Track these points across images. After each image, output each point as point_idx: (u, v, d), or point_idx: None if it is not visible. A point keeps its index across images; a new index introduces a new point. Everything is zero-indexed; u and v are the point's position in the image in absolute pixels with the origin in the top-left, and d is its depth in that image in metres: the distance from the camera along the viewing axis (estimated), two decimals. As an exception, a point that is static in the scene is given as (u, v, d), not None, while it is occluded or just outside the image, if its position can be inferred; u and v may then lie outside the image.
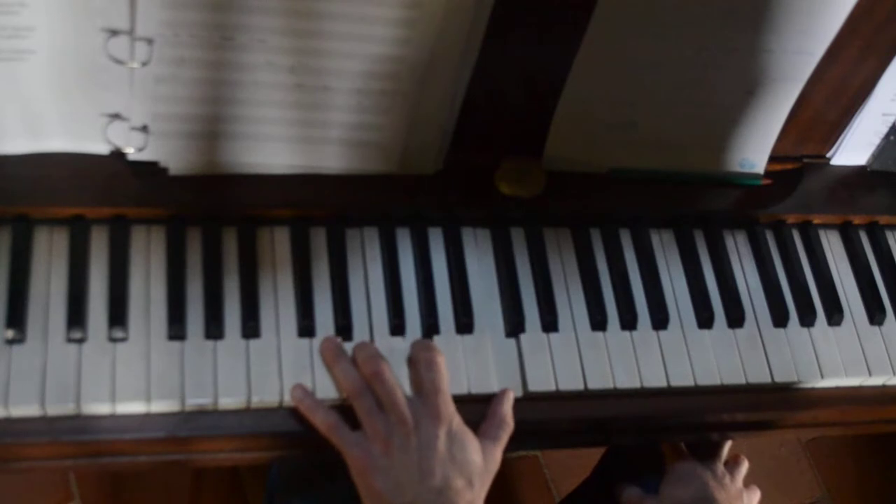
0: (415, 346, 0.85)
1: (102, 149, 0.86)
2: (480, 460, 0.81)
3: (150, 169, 0.86)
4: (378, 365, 0.81)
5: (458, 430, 0.81)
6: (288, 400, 0.82)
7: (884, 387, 0.98)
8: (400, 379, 0.83)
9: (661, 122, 0.96)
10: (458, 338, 0.88)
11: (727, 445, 1.06)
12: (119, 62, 0.80)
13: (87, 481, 1.50)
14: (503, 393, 0.86)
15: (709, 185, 1.01)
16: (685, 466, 1.02)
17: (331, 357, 0.83)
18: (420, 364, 0.83)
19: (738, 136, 0.98)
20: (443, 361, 0.83)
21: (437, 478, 0.78)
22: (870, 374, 0.96)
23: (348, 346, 0.84)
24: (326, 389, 0.82)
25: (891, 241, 1.05)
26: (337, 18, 0.80)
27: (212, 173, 0.88)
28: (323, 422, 0.81)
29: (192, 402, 0.80)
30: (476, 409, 0.85)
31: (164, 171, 0.87)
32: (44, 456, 0.80)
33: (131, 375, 0.79)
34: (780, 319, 0.96)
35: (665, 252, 0.98)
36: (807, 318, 0.97)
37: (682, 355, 0.92)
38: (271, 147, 0.88)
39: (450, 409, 0.81)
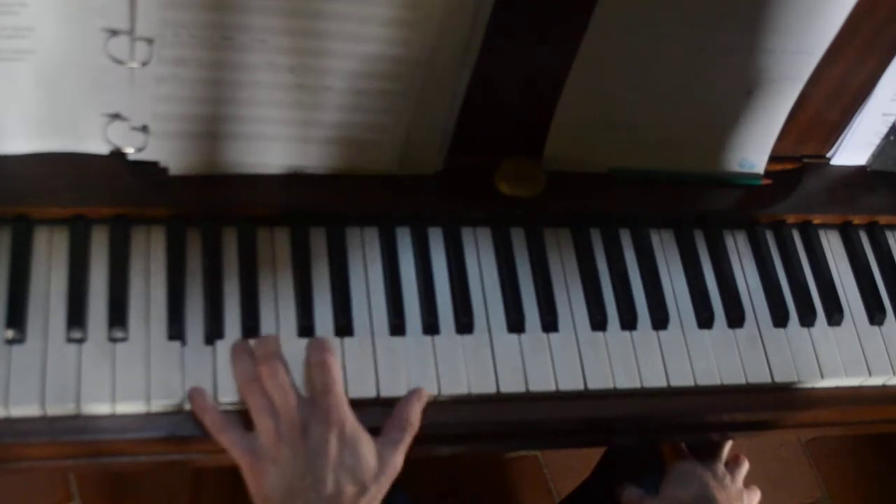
0: (308, 345, 0.82)
1: (102, 149, 0.86)
2: (374, 464, 0.78)
3: (150, 169, 0.86)
4: (273, 364, 0.79)
5: (350, 434, 0.78)
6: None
7: (884, 387, 0.98)
8: (394, 381, 0.82)
9: (661, 122, 0.96)
10: (458, 338, 0.88)
11: (728, 446, 1.06)
12: (119, 62, 0.80)
13: (87, 481, 1.50)
14: (413, 393, 0.83)
15: (709, 185, 1.01)
16: (686, 466, 1.02)
17: (233, 353, 0.81)
18: (312, 365, 0.81)
19: (738, 136, 0.98)
20: (334, 361, 0.80)
21: (329, 484, 0.76)
22: (870, 374, 0.96)
23: (348, 345, 0.84)
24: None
25: (891, 241, 1.05)
26: (337, 18, 0.80)
27: (212, 173, 0.88)
28: (212, 423, 0.78)
29: (192, 402, 0.80)
30: (476, 409, 0.85)
31: (164, 171, 0.87)
32: (44, 456, 0.80)
33: (131, 375, 0.79)
34: (780, 319, 0.96)
35: (665, 252, 0.98)
36: (807, 318, 0.97)
37: (682, 355, 0.92)
38: (271, 147, 0.88)
39: (341, 411, 0.78)
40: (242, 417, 0.79)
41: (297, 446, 0.76)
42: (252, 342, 0.82)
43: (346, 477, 0.77)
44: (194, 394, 0.79)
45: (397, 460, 0.80)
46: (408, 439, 0.81)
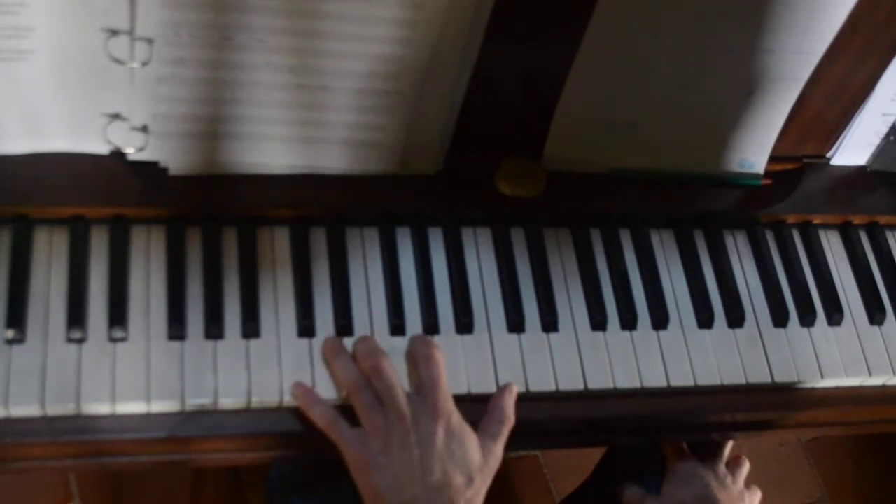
0: (413, 340, 0.85)
1: (102, 149, 0.86)
2: (480, 457, 0.80)
3: (150, 169, 0.86)
4: (378, 359, 0.81)
5: (457, 427, 0.80)
6: (288, 400, 0.81)
7: (884, 387, 0.98)
8: (401, 377, 0.83)
9: (661, 122, 0.96)
10: (458, 338, 0.88)
11: (729, 446, 1.06)
12: (119, 62, 0.80)
13: (87, 481, 1.50)
14: (504, 388, 0.85)
15: (709, 185, 1.01)
16: (687, 467, 1.02)
17: (331, 353, 0.83)
18: (418, 359, 0.83)
19: (738, 136, 0.98)
20: (441, 357, 0.83)
21: (437, 475, 0.78)
22: (870, 374, 0.96)
23: (348, 344, 0.84)
24: (326, 389, 0.82)
25: (891, 241, 1.05)
26: (337, 18, 0.80)
27: (212, 173, 0.88)
28: (321, 417, 0.80)
29: (192, 402, 0.80)
30: (476, 409, 0.85)
31: (164, 171, 0.87)
32: (44, 456, 0.80)
33: (131, 375, 0.79)
34: (780, 319, 0.96)
35: (665, 252, 0.98)
36: (807, 318, 0.97)
37: (682, 355, 0.92)
38: (271, 147, 0.88)
39: (449, 404, 0.81)
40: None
41: (406, 439, 0.78)
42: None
43: (454, 468, 0.78)
44: (299, 389, 0.81)
45: (499, 452, 0.82)
46: (506, 432, 0.83)
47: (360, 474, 0.79)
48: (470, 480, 0.79)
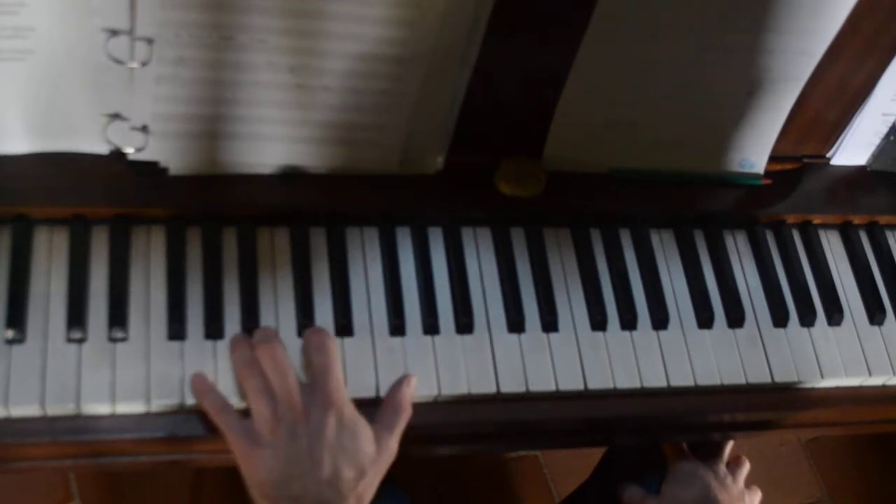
0: (306, 331, 0.82)
1: (102, 149, 0.86)
2: (373, 449, 0.78)
3: (150, 169, 0.86)
4: (271, 344, 0.78)
5: (349, 418, 0.77)
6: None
7: (884, 387, 0.98)
8: (391, 378, 0.82)
9: (661, 122, 0.96)
10: (458, 338, 0.88)
11: (729, 446, 1.06)
12: (119, 62, 0.80)
13: (87, 481, 1.50)
14: (402, 378, 0.83)
15: (709, 185, 1.01)
16: (687, 467, 1.02)
17: (232, 343, 0.81)
18: (310, 347, 0.80)
19: (738, 136, 0.98)
20: (333, 345, 0.80)
21: (327, 468, 0.75)
22: (870, 374, 0.96)
23: (348, 345, 0.84)
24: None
25: (891, 241, 1.05)
26: (337, 18, 0.80)
27: (212, 173, 0.88)
28: (210, 404, 0.78)
29: (192, 402, 0.80)
30: (476, 409, 0.85)
31: (164, 171, 0.87)
32: (44, 456, 0.80)
33: (131, 375, 0.79)
34: (780, 319, 0.96)
35: (665, 252, 0.98)
36: (807, 318, 0.97)
37: (682, 355, 0.92)
38: (271, 147, 0.88)
39: (341, 394, 0.78)
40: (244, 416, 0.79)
41: (295, 429, 0.76)
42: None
43: (345, 460, 0.76)
44: (196, 377, 0.79)
45: (393, 445, 0.80)
46: (402, 424, 0.81)
47: (245, 465, 0.76)
48: (361, 474, 0.77)
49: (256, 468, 0.76)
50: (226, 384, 0.80)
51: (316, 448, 0.75)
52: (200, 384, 0.79)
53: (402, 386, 0.82)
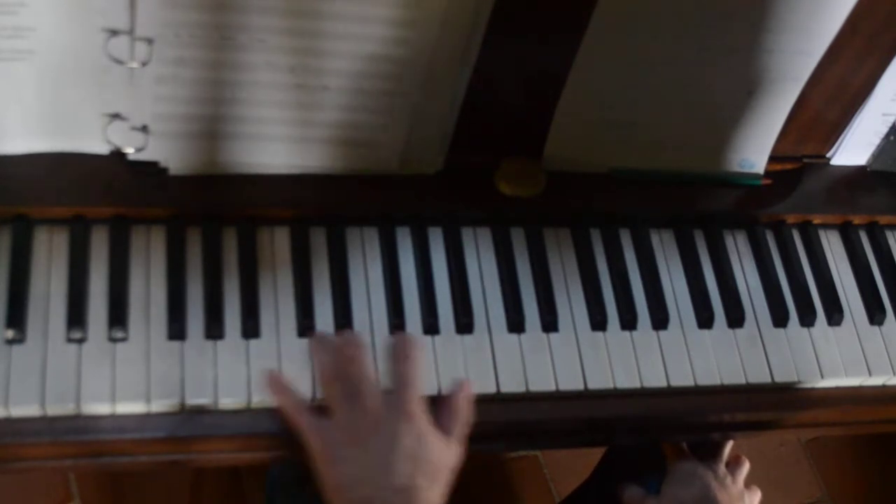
0: (396, 337, 0.84)
1: (102, 149, 0.86)
2: (443, 458, 0.79)
3: (150, 169, 0.86)
4: (355, 350, 0.80)
5: (424, 428, 0.79)
6: (288, 400, 0.81)
7: (884, 387, 0.98)
8: (386, 381, 0.82)
9: (661, 122, 0.96)
10: (458, 338, 0.88)
11: (729, 446, 1.06)
12: (119, 62, 0.80)
13: (87, 481, 1.50)
14: (462, 386, 0.84)
15: (709, 185, 1.01)
16: (687, 467, 1.01)
17: (314, 345, 0.82)
18: (397, 356, 0.82)
19: (738, 136, 0.98)
20: (420, 357, 0.81)
21: (399, 474, 0.76)
22: (870, 374, 0.96)
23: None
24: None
25: (891, 241, 1.05)
26: (337, 18, 0.80)
27: (212, 173, 0.88)
28: (290, 403, 0.79)
29: (192, 402, 0.80)
30: (476, 409, 0.85)
31: (164, 171, 0.87)
32: (44, 456, 0.80)
33: (131, 375, 0.79)
34: (780, 319, 0.96)
35: (665, 252, 0.98)
36: (807, 318, 0.97)
37: (682, 355, 0.92)
38: (271, 147, 0.88)
39: (419, 406, 0.79)
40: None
41: (373, 434, 0.77)
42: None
43: (418, 468, 0.77)
44: (272, 377, 0.80)
45: (460, 451, 0.81)
46: (465, 429, 0.82)
47: (322, 465, 0.77)
48: (432, 482, 0.77)
49: (333, 468, 0.77)
50: (227, 383, 0.80)
51: (390, 455, 0.77)
52: (277, 383, 0.80)
53: (462, 392, 0.83)
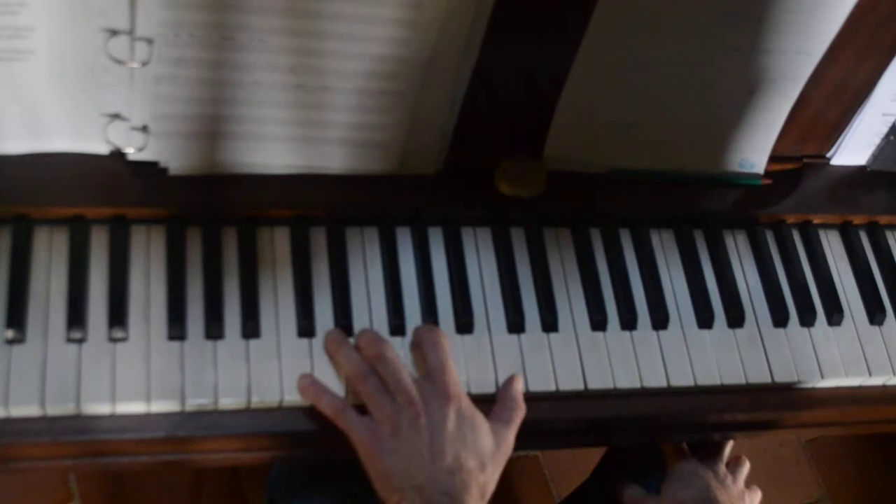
0: (418, 329, 0.85)
1: (102, 149, 0.86)
2: (492, 442, 0.80)
3: (150, 169, 0.86)
4: (381, 347, 0.81)
5: (468, 411, 0.80)
6: (288, 399, 0.81)
7: (884, 387, 0.98)
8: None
9: (661, 122, 0.96)
10: (458, 337, 0.88)
11: (729, 446, 1.06)
12: (119, 62, 0.80)
13: (87, 481, 1.50)
14: (512, 377, 0.85)
15: (709, 185, 1.01)
16: (687, 467, 1.02)
17: (334, 345, 0.83)
18: (424, 344, 0.83)
19: (738, 136, 0.98)
20: (447, 342, 0.82)
21: (449, 458, 0.77)
22: (870, 374, 0.96)
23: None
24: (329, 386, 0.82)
25: (891, 241, 1.05)
26: (337, 18, 0.80)
27: (212, 173, 0.88)
28: (329, 406, 0.80)
29: (192, 402, 0.80)
30: (477, 409, 0.85)
31: (164, 171, 0.87)
32: (44, 456, 0.80)
33: (131, 375, 0.79)
34: (780, 319, 0.96)
35: (665, 252, 0.98)
36: (807, 318, 0.97)
37: (682, 355, 0.92)
38: (271, 147, 0.88)
39: (458, 388, 0.80)
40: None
41: (417, 423, 0.77)
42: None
43: (466, 451, 0.77)
44: (306, 380, 0.81)
45: (511, 439, 0.82)
46: (518, 419, 0.83)
47: (370, 460, 0.78)
48: (482, 465, 0.78)
49: (381, 463, 0.77)
50: (227, 383, 0.80)
51: (438, 439, 0.77)
52: (312, 387, 0.81)
53: (514, 383, 0.85)
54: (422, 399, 0.78)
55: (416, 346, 0.84)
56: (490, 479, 0.79)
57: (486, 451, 0.79)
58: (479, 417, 0.80)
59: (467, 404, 0.80)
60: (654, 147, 0.98)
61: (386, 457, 0.77)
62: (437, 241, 0.92)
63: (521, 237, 0.94)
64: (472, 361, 0.87)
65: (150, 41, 0.79)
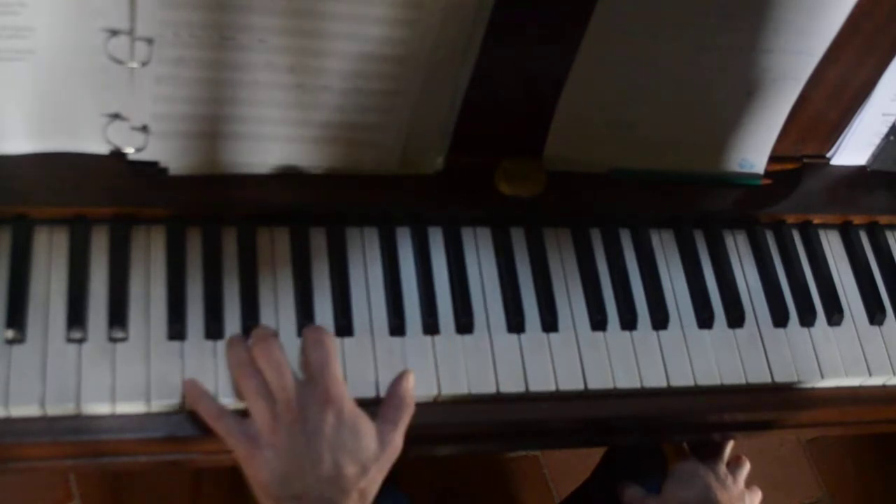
0: (305, 329, 0.81)
1: (102, 149, 0.86)
2: (375, 445, 0.77)
3: (150, 169, 0.86)
4: (267, 344, 0.78)
5: (349, 414, 0.76)
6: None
7: (884, 387, 0.98)
8: (391, 378, 0.82)
9: (661, 122, 0.96)
10: (458, 338, 0.88)
11: (729, 446, 1.06)
12: (119, 62, 0.80)
13: (87, 481, 1.50)
14: (402, 374, 0.82)
15: (709, 185, 1.01)
16: (688, 467, 1.02)
17: (228, 344, 0.80)
18: (307, 344, 0.79)
19: (738, 136, 0.98)
20: (330, 340, 0.79)
21: (327, 465, 0.74)
22: (870, 374, 0.96)
23: (348, 345, 0.84)
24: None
25: (891, 241, 1.05)
26: (337, 18, 0.80)
27: (212, 173, 0.88)
28: (205, 410, 0.77)
29: (192, 402, 0.80)
30: (476, 409, 0.86)
31: (164, 171, 0.87)
32: (44, 456, 0.80)
33: (131, 375, 0.79)
34: (780, 319, 0.96)
35: (665, 252, 0.98)
36: (807, 318, 0.97)
37: (682, 355, 0.92)
38: (271, 147, 0.88)
39: (339, 390, 0.77)
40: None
41: (294, 427, 0.75)
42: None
43: (346, 457, 0.75)
44: (188, 384, 0.79)
45: (397, 441, 0.79)
46: (406, 419, 0.80)
47: (247, 468, 0.75)
48: (364, 469, 0.75)
49: (258, 469, 0.75)
50: (227, 383, 0.80)
51: (315, 445, 0.74)
52: (193, 390, 0.79)
53: (402, 380, 0.82)
54: (301, 403, 0.75)
55: (302, 347, 0.81)
56: (372, 482, 0.76)
57: (369, 455, 0.76)
58: (361, 420, 0.77)
59: (349, 407, 0.77)
60: (654, 147, 0.98)
61: (262, 464, 0.74)
62: (437, 241, 0.92)
63: (521, 237, 0.94)
64: (472, 361, 0.87)
65: (149, 41, 0.79)
